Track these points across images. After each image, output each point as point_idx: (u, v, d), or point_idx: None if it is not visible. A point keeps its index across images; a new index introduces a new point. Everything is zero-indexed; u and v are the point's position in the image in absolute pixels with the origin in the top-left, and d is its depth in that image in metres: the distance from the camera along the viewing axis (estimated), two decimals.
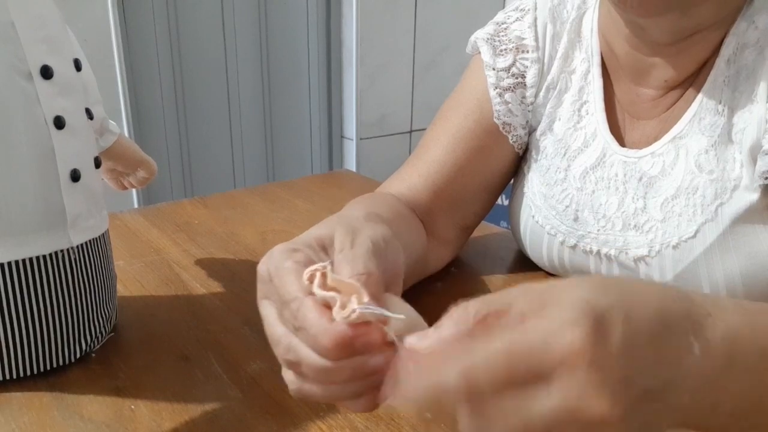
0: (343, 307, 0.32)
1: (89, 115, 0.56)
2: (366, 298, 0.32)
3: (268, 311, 0.36)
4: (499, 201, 0.74)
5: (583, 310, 0.27)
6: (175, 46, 1.88)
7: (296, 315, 0.33)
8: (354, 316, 0.31)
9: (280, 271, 0.35)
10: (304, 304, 0.33)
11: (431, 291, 0.67)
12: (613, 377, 0.26)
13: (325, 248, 0.38)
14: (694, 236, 0.55)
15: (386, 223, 0.47)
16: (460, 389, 0.27)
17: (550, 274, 0.70)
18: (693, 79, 0.58)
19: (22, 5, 0.48)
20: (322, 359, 0.32)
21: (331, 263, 0.35)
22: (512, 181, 0.73)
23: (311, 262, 0.35)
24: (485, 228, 0.84)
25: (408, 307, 0.36)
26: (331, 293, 0.32)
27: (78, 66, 0.55)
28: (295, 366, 0.34)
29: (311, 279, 0.33)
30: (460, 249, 0.74)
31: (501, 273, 0.72)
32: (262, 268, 0.37)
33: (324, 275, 0.33)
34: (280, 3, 2.04)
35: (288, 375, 0.35)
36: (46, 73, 0.49)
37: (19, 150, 0.47)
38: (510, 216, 0.72)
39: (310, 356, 0.33)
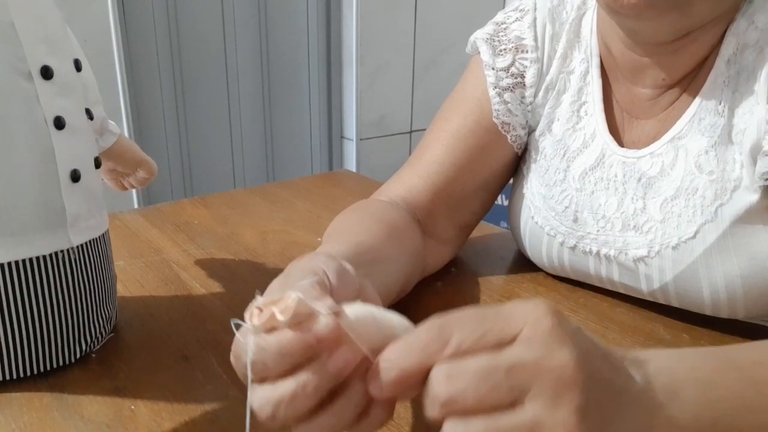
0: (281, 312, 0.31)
1: (89, 115, 0.56)
2: (297, 296, 0.32)
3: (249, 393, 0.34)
4: (499, 201, 0.74)
5: (543, 305, 0.31)
6: (175, 46, 1.88)
7: (252, 351, 0.32)
8: (291, 304, 0.31)
9: (236, 345, 0.34)
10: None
11: (431, 290, 0.67)
12: (574, 344, 0.30)
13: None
14: (694, 237, 0.55)
15: (358, 248, 0.50)
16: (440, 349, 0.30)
17: (550, 275, 0.70)
18: (692, 78, 0.58)
19: (22, 5, 0.48)
20: (285, 385, 0.31)
21: (260, 293, 0.35)
22: (512, 181, 0.73)
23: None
24: (485, 228, 0.84)
25: (366, 306, 0.35)
26: (260, 316, 0.32)
27: (78, 66, 0.55)
28: (276, 418, 0.32)
29: (252, 318, 0.33)
30: (459, 248, 0.74)
31: (501, 273, 0.72)
32: (232, 359, 0.35)
33: (259, 308, 0.33)
34: (280, 3, 2.04)
35: None
36: (46, 73, 0.49)
37: (19, 150, 0.47)
38: (510, 217, 0.72)
39: (275, 391, 0.32)
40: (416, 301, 0.64)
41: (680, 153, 0.57)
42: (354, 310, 0.33)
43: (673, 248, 0.56)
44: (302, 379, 0.31)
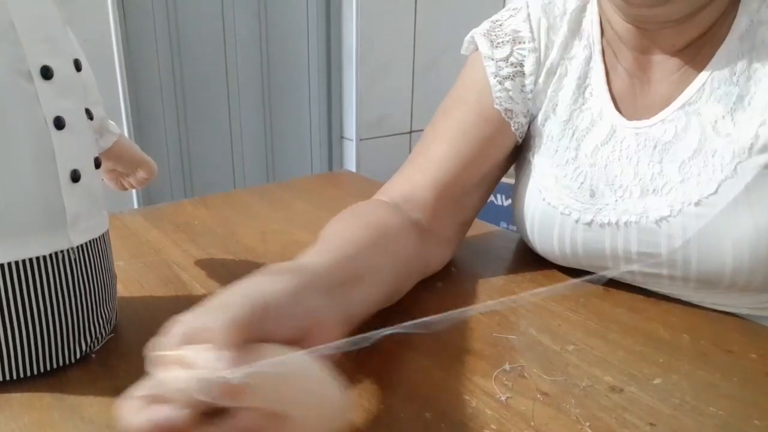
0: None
1: (89, 115, 0.56)
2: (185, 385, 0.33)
3: None
4: (498, 202, 0.74)
5: None
6: (175, 46, 1.88)
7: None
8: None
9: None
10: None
11: (431, 290, 0.67)
12: None
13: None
14: (716, 192, 0.56)
15: (343, 260, 0.50)
16: None
17: (550, 273, 0.70)
18: (701, 47, 0.60)
19: (22, 5, 0.48)
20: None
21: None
22: (510, 180, 0.74)
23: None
24: (485, 228, 0.84)
25: (278, 355, 0.37)
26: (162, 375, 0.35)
27: (78, 66, 0.55)
28: None
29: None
30: (459, 247, 0.74)
31: (501, 273, 0.72)
32: None
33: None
34: (280, 3, 2.03)
35: None
36: (47, 73, 0.49)
37: (19, 150, 0.47)
38: (514, 209, 0.72)
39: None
40: (417, 301, 0.64)
41: (692, 118, 0.58)
42: (257, 368, 0.34)
43: (696, 204, 0.57)
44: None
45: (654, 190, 0.60)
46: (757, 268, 0.56)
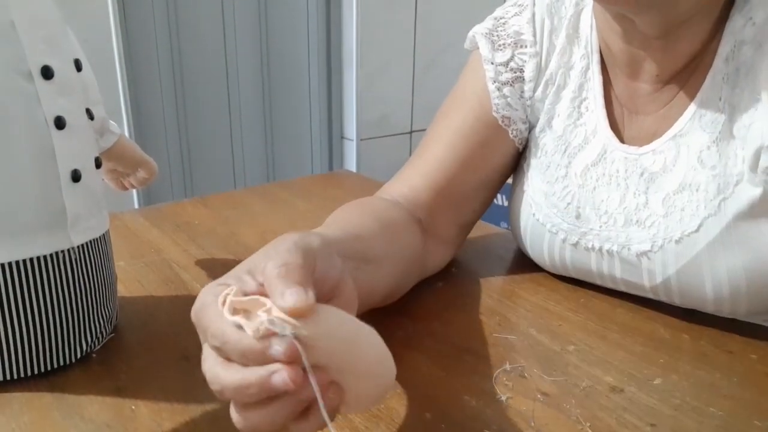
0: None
1: (90, 115, 0.56)
2: (273, 310, 0.32)
3: (204, 353, 0.36)
4: (498, 201, 0.74)
5: None
6: (175, 46, 1.88)
7: (216, 335, 0.34)
8: (261, 328, 0.32)
9: (202, 308, 0.35)
10: (219, 322, 0.34)
11: (432, 290, 0.67)
12: None
13: (252, 273, 0.38)
14: (697, 230, 0.55)
15: (352, 237, 0.49)
16: None
17: (550, 275, 0.70)
18: (688, 75, 0.58)
19: (23, 5, 0.48)
20: (234, 376, 0.33)
21: (239, 288, 0.36)
22: (511, 179, 0.73)
23: (240, 292, 0.36)
24: (485, 228, 0.84)
25: (339, 317, 0.36)
26: (235, 318, 0.33)
27: (78, 66, 0.55)
28: (221, 395, 0.34)
29: (223, 304, 0.34)
30: (459, 248, 0.74)
31: (501, 273, 0.72)
32: (191, 314, 0.37)
33: (229, 297, 0.34)
34: (280, 3, 2.03)
35: (232, 412, 0.35)
36: (47, 73, 0.49)
37: (19, 150, 0.47)
38: (510, 215, 0.72)
39: (226, 376, 0.33)
40: (417, 301, 0.64)
41: (682, 150, 0.57)
42: (323, 318, 0.34)
43: (677, 242, 0.56)
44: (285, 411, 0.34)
45: (637, 221, 0.59)
46: (739, 302, 0.56)
